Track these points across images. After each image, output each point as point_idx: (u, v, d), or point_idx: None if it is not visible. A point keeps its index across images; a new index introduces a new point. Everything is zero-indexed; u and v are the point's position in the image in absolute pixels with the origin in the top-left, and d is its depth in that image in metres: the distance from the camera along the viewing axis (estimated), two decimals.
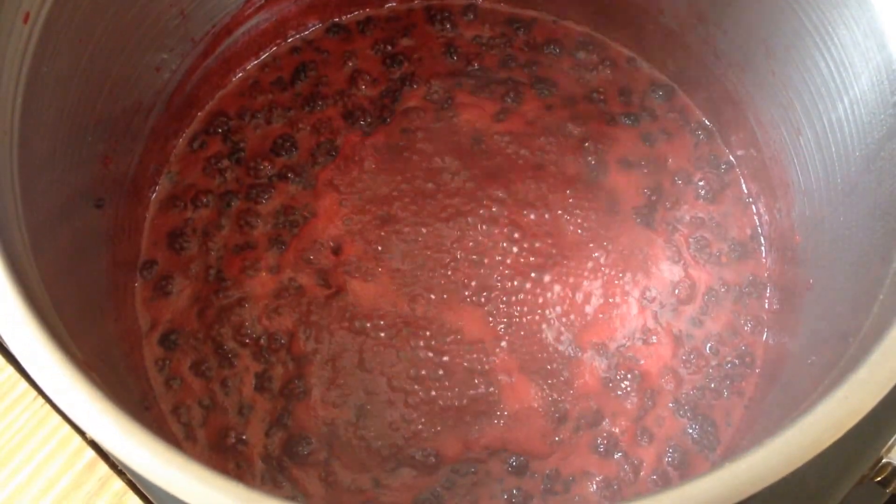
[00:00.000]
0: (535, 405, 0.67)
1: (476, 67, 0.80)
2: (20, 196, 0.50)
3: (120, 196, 0.68)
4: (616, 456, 0.65)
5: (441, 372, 0.67)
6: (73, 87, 0.58)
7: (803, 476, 0.61)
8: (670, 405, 0.67)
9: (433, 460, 0.65)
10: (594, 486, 0.64)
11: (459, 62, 0.81)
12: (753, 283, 0.71)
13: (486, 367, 0.68)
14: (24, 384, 0.68)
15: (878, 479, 0.59)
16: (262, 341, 0.68)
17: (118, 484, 0.65)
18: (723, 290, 0.71)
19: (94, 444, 0.66)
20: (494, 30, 0.82)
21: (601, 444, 0.66)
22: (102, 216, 0.65)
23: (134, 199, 0.71)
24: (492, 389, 0.67)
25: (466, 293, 0.70)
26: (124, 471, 0.65)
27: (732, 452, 0.64)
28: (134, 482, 0.64)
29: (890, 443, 0.58)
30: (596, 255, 0.72)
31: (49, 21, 0.54)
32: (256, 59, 0.80)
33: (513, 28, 0.82)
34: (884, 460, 0.58)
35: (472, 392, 0.67)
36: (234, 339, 0.69)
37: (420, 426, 0.66)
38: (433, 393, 0.67)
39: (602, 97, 0.79)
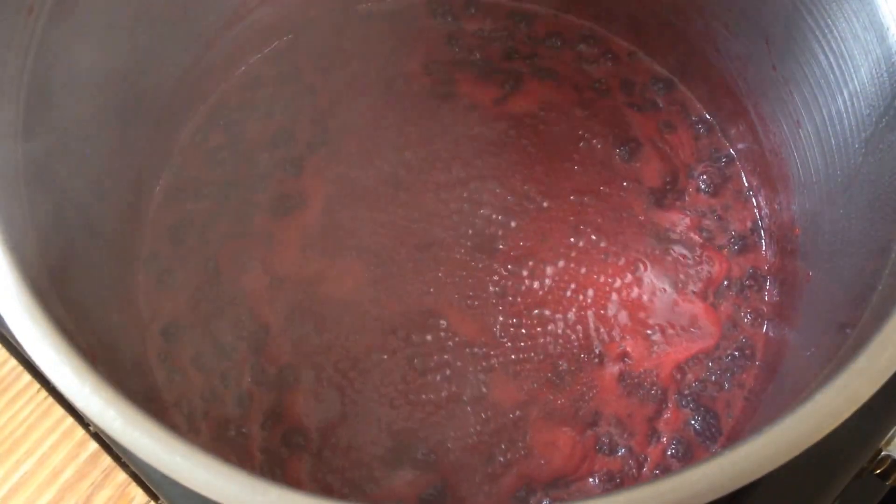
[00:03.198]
0: (545, 410, 0.66)
1: (478, 57, 0.81)
2: (26, 188, 0.50)
3: (125, 189, 0.68)
4: (620, 452, 0.65)
5: (443, 370, 0.67)
6: (76, 81, 0.59)
7: (803, 468, 0.61)
8: (674, 397, 0.67)
9: (433, 458, 0.65)
10: (597, 480, 0.65)
11: (461, 53, 0.81)
12: (754, 275, 0.72)
13: (490, 363, 0.68)
14: (28, 376, 0.68)
15: (878, 471, 0.59)
16: (258, 334, 0.69)
17: (122, 475, 0.65)
18: (724, 283, 0.72)
19: (97, 436, 0.66)
20: (496, 23, 0.82)
21: (605, 443, 0.66)
22: (108, 209, 0.65)
23: (138, 191, 0.71)
24: (494, 395, 0.67)
25: (471, 286, 0.70)
26: (127, 462, 0.65)
27: (733, 443, 0.65)
28: (137, 473, 0.65)
29: (889, 435, 0.59)
30: (608, 247, 0.72)
31: (52, 16, 0.54)
32: (259, 53, 0.81)
33: (514, 21, 0.82)
34: (883, 453, 0.58)
35: (474, 396, 0.66)
36: (232, 333, 0.69)
37: (421, 425, 0.65)
38: (432, 396, 0.66)
39: (605, 87, 0.79)
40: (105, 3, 0.60)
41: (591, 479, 0.65)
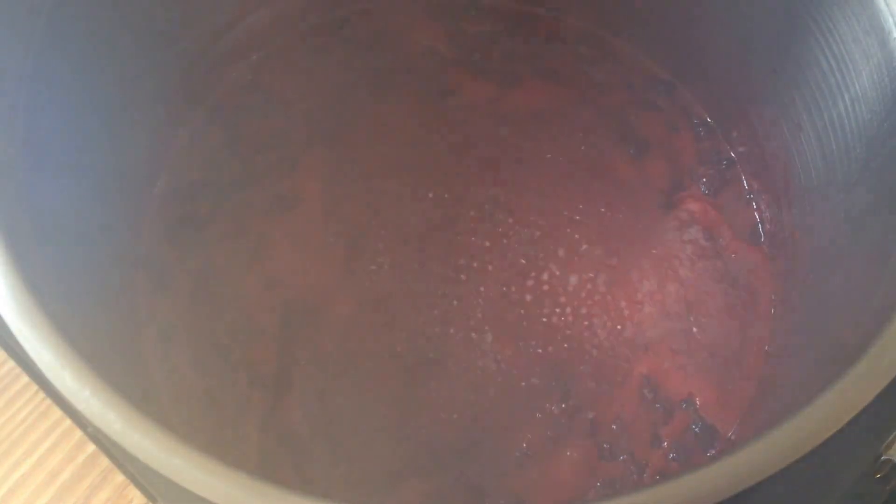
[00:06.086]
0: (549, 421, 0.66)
1: (478, 58, 0.81)
2: (26, 189, 0.50)
3: (124, 190, 0.68)
4: (621, 458, 0.65)
5: (445, 375, 0.67)
6: (76, 82, 0.59)
7: (803, 472, 0.61)
8: (679, 401, 0.67)
9: (435, 465, 0.64)
10: (598, 483, 0.64)
11: (462, 53, 0.81)
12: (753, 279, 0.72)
13: (495, 371, 0.67)
14: (26, 377, 0.68)
15: (878, 476, 0.59)
16: (255, 336, 0.68)
17: (120, 477, 0.65)
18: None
19: (95, 438, 0.66)
20: (497, 25, 0.83)
21: (607, 449, 0.65)
22: (107, 210, 0.65)
23: (137, 192, 0.71)
24: (499, 405, 0.66)
25: (475, 292, 0.69)
26: (126, 464, 0.65)
27: (733, 447, 0.65)
28: (135, 475, 0.65)
29: (889, 440, 0.59)
30: (618, 249, 0.72)
31: (52, 14, 0.54)
32: (258, 54, 0.81)
33: (515, 23, 0.83)
34: (883, 457, 0.58)
35: (480, 405, 0.66)
36: (229, 334, 0.69)
37: (421, 430, 0.65)
38: (433, 401, 0.66)
39: (607, 88, 0.79)
40: (105, 2, 0.60)
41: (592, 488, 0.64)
